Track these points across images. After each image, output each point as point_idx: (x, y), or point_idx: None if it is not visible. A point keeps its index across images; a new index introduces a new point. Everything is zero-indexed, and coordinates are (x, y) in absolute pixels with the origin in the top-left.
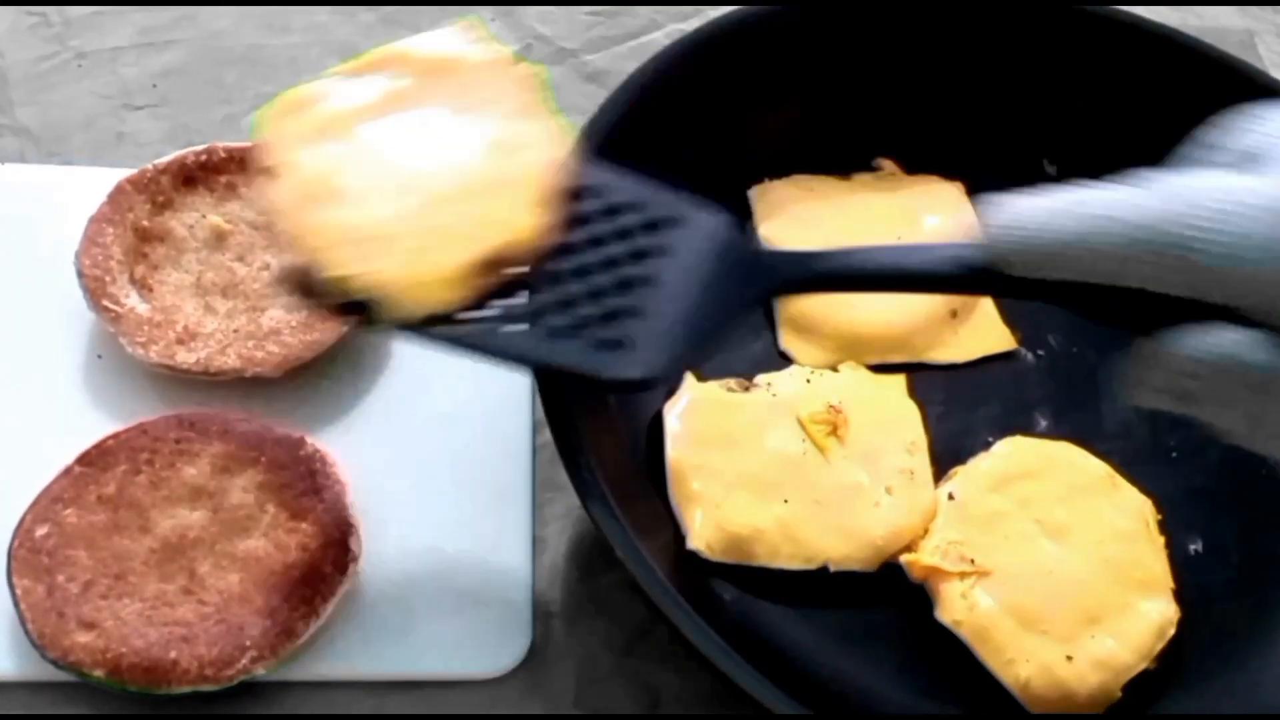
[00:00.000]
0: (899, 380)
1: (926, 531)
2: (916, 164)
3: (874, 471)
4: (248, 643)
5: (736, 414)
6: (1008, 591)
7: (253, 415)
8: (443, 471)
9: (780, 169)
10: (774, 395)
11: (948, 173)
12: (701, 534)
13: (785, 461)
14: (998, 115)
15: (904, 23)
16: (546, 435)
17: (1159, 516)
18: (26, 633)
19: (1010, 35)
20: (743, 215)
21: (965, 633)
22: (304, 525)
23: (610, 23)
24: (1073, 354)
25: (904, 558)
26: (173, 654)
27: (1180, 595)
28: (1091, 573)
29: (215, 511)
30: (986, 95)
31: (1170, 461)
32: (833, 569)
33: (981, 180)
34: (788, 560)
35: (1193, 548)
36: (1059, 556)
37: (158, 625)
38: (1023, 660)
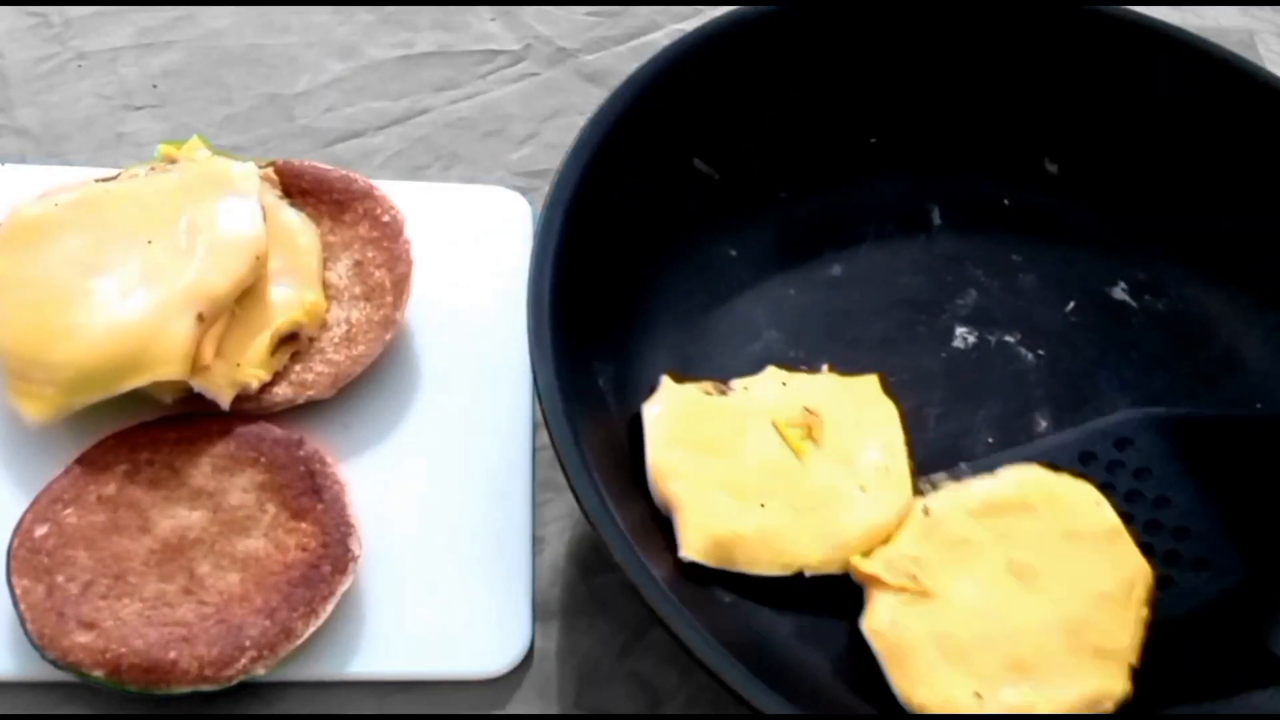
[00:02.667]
0: (872, 380)
1: (889, 538)
2: (916, 162)
3: (850, 473)
4: (247, 643)
5: (715, 417)
6: (943, 620)
7: (252, 416)
8: (442, 471)
9: (779, 168)
10: (750, 399)
11: (947, 171)
12: (686, 538)
13: (763, 465)
14: (998, 115)
15: (904, 22)
16: (546, 436)
17: (1151, 587)
18: (26, 633)
19: (1010, 34)
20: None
21: (879, 647)
22: (304, 525)
23: (610, 23)
24: (1073, 354)
25: (853, 559)
26: (173, 654)
27: (1140, 674)
28: (1045, 625)
29: (215, 511)
30: (987, 95)
31: None
32: (808, 574)
33: (982, 180)
34: (767, 567)
35: (1192, 549)
36: (1017, 600)
37: (158, 625)
38: (927, 687)
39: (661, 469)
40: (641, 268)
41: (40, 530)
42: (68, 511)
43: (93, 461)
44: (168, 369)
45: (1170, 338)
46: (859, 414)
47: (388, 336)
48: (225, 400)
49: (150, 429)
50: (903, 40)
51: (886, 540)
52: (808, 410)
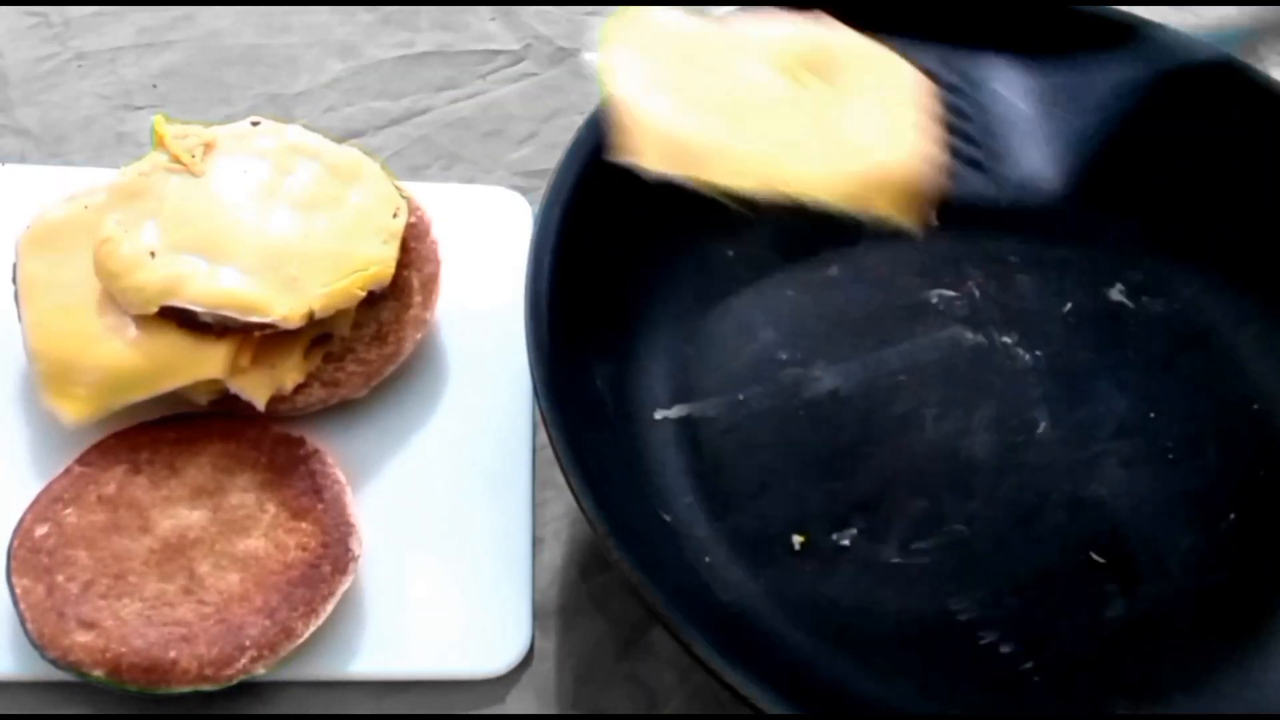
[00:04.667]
0: (892, 58)
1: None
2: None
3: (862, 106)
4: (247, 642)
5: (700, 40)
6: None
7: (254, 414)
8: (443, 471)
9: None
10: (740, 32)
11: (947, 171)
12: (641, 142)
13: (757, 89)
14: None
15: (903, 23)
16: (546, 435)
17: None
18: (26, 632)
19: (1009, 35)
20: None
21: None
22: (304, 525)
23: None
24: (1071, 354)
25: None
26: (172, 654)
27: None
28: None
29: (215, 511)
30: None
31: (1170, 461)
32: (788, 192)
33: (982, 180)
34: (738, 178)
35: (1192, 547)
36: None
37: (157, 625)
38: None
39: (614, 71)
40: (639, 268)
41: (40, 530)
42: (68, 511)
43: (93, 461)
44: (209, 369)
45: (1168, 338)
46: (878, 65)
47: (418, 336)
48: (261, 402)
49: (150, 429)
50: (902, 41)
51: (897, 186)
52: (818, 46)
